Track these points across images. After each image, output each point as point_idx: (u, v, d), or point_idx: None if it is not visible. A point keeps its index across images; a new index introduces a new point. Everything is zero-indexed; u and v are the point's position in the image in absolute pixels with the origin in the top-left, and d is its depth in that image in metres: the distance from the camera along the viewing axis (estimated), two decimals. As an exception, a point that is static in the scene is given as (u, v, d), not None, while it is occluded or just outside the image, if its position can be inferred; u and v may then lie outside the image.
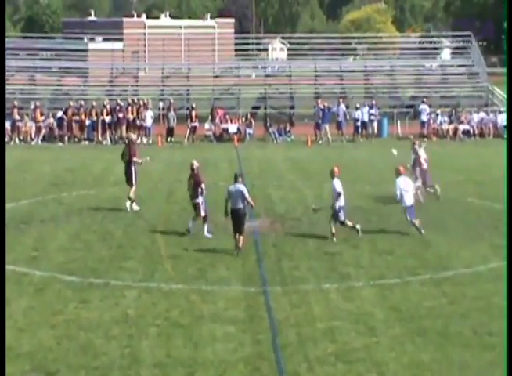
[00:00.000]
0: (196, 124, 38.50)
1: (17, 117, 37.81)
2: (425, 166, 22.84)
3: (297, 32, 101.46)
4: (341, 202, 18.64)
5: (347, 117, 38.59)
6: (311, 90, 45.37)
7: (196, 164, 19.11)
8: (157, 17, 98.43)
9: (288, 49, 73.76)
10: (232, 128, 38.89)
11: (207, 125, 39.27)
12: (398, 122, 40.49)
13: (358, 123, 38.53)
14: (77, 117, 38.03)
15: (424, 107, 39.40)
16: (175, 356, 11.98)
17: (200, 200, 18.88)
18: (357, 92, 44.80)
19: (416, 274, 16.02)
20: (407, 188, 19.06)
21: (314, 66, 46.94)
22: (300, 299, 14.51)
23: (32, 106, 38.51)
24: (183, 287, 15.17)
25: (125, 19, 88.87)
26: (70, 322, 13.27)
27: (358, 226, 18.75)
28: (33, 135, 37.88)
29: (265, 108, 42.54)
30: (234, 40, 67.80)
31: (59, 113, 38.34)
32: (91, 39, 72.48)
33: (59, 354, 11.93)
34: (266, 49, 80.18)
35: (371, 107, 39.09)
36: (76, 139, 38.16)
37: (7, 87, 44.23)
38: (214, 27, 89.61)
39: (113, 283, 15.34)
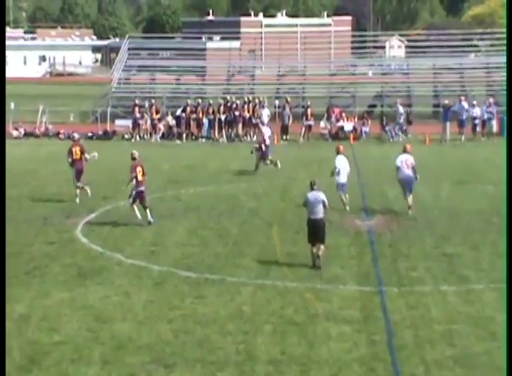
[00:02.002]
0: (311, 122, 38.45)
1: (138, 114, 38.83)
2: (268, 142, 27.76)
3: (416, 29, 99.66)
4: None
5: (468, 115, 37.65)
6: (430, 88, 44.49)
7: (136, 154, 20.32)
8: (274, 16, 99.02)
9: (406, 46, 72.55)
10: (348, 126, 38.63)
11: (322, 123, 39.14)
12: (522, 121, 39.07)
13: (476, 121, 37.60)
14: (194, 115, 38.74)
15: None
16: (290, 353, 11.97)
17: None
18: (478, 89, 43.57)
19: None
20: (344, 166, 21.09)
21: (432, 63, 45.99)
22: (417, 301, 14.22)
23: (147, 104, 39.43)
24: (298, 285, 15.14)
25: (242, 19, 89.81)
26: (187, 316, 13.48)
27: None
28: (151, 133, 38.85)
29: (382, 106, 42.01)
30: (351, 38, 67.30)
31: (178, 111, 39.15)
32: (210, 38, 73.65)
33: (177, 347, 12.14)
34: (383, 47, 79.20)
35: (489, 105, 37.98)
36: (193, 137, 38.87)
37: (129, 86, 45.64)
38: (330, 25, 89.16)
39: (229, 279, 15.49)
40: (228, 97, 39.69)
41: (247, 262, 16.70)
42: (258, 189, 24.51)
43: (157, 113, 38.99)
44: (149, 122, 38.88)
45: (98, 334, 12.62)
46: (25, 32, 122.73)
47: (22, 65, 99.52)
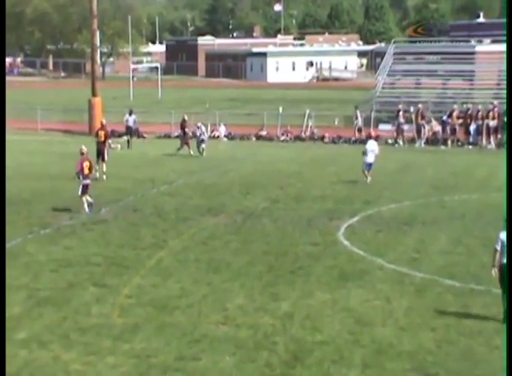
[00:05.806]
0: None
1: (402, 120, 38.59)
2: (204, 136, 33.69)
3: None
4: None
5: None
6: None
7: (84, 150, 22.08)
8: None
9: None
10: None
11: None
12: None
13: None
14: (461, 121, 37.70)
15: None
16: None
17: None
18: None
19: None
20: (372, 148, 26.10)
21: None
22: None
23: (412, 109, 38.94)
24: None
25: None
26: (451, 326, 13.09)
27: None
28: (416, 138, 38.44)
29: None
30: None
31: (444, 117, 38.37)
32: (479, 41, 71.39)
33: (439, 357, 11.82)
34: None
35: None
36: (459, 143, 37.86)
37: (394, 91, 45.57)
38: None
39: (496, 291, 14.79)
40: (496, 102, 38.18)
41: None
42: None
43: (423, 118, 38.49)
44: (414, 127, 38.50)
45: (358, 337, 12.64)
46: (294, 39, 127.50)
47: (291, 70, 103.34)
